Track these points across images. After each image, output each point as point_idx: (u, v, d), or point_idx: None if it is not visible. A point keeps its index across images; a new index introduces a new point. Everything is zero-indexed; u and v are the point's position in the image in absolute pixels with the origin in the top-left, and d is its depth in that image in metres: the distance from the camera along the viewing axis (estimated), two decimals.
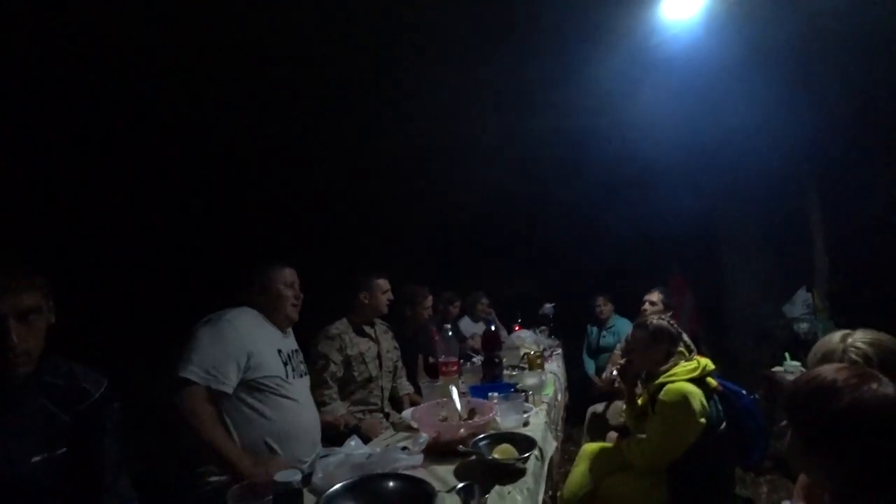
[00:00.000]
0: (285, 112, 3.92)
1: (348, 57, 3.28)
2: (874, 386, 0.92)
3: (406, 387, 2.88)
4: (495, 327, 4.54)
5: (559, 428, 2.92)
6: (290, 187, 5.25)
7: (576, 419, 3.86)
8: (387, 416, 2.58)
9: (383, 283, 2.66)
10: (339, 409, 2.38)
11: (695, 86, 3.55)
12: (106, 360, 1.55)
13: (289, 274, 1.92)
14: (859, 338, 1.28)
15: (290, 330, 2.01)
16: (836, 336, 1.33)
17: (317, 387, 2.34)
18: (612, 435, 2.48)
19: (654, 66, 3.46)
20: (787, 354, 3.10)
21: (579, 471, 2.29)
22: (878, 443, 0.90)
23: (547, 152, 4.81)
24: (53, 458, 1.17)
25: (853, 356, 1.23)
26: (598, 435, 3.02)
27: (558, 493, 2.41)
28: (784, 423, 1.05)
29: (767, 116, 3.61)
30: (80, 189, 3.79)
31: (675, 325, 2.22)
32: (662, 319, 2.22)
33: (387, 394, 2.68)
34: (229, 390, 1.63)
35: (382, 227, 6.12)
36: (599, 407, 3.33)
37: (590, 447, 2.41)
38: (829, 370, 0.99)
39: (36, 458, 1.14)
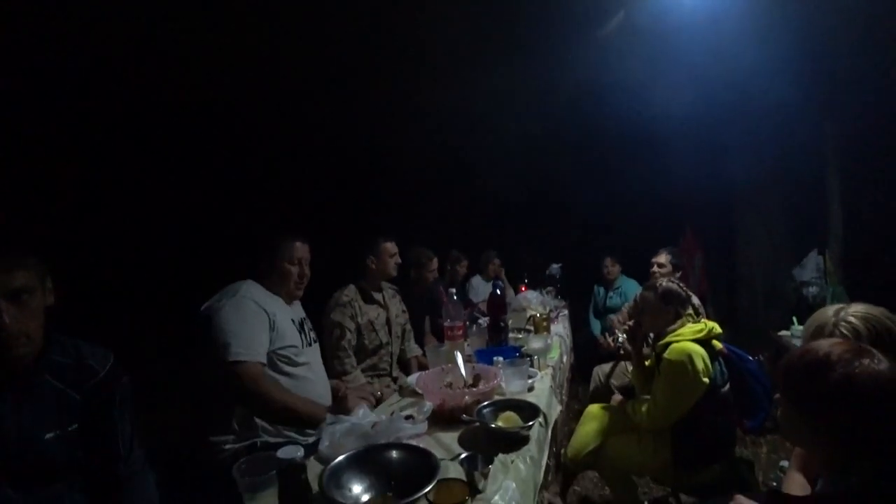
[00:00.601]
0: (299, 78, 3.80)
1: (366, 22, 3.14)
2: (866, 362, 0.93)
3: (414, 349, 2.90)
4: (503, 288, 4.57)
5: (564, 390, 2.96)
6: (302, 154, 5.16)
7: (581, 378, 3.93)
8: (395, 379, 2.62)
9: (390, 247, 2.61)
10: (361, 378, 2.42)
11: (713, 43, 3.37)
12: (115, 336, 1.58)
13: (298, 249, 1.86)
14: (852, 312, 1.26)
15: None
16: (831, 309, 1.32)
17: (335, 356, 2.38)
18: (617, 397, 2.52)
19: (669, 22, 3.27)
20: (794, 319, 3.07)
21: (584, 431, 2.34)
22: (870, 418, 0.91)
23: (560, 113, 4.66)
24: (66, 434, 1.20)
25: (843, 331, 1.22)
26: (602, 397, 3.06)
27: (562, 451, 2.48)
28: (777, 395, 1.07)
29: (789, 75, 3.43)
30: (85, 170, 3.76)
31: (685, 288, 2.20)
32: (672, 282, 2.20)
33: (395, 358, 2.72)
34: (266, 360, 1.67)
35: (394, 189, 6.03)
36: (605, 367, 3.36)
37: (594, 408, 2.46)
38: (823, 344, 1.00)
39: (49, 435, 1.18)
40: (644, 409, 2.10)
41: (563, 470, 2.47)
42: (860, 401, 0.91)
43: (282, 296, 1.87)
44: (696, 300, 2.85)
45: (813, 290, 3.67)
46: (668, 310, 2.12)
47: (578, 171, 5.66)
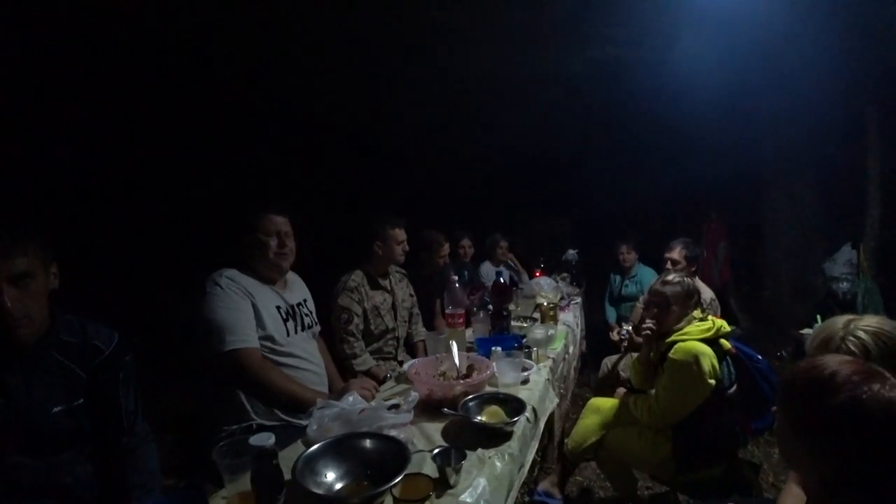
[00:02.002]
0: (300, 43, 3.71)
1: None
2: (876, 387, 0.85)
3: (421, 333, 2.92)
4: (510, 275, 4.53)
5: (571, 379, 2.94)
6: (304, 131, 5.13)
7: (594, 365, 3.88)
8: (400, 363, 2.64)
9: (398, 234, 2.58)
10: (369, 361, 2.46)
11: (746, 14, 3.12)
12: (122, 318, 1.65)
13: (276, 222, 1.81)
14: (863, 325, 1.17)
15: (294, 281, 1.99)
16: (840, 321, 1.23)
17: (343, 340, 2.42)
18: (621, 391, 2.49)
19: None
20: (818, 317, 2.92)
21: (585, 423, 2.33)
22: (873, 448, 0.84)
23: (585, 91, 4.48)
24: (72, 408, 1.29)
25: (851, 346, 1.14)
26: (607, 389, 3.03)
27: (565, 440, 2.48)
28: (775, 407, 1.01)
29: (829, 52, 3.15)
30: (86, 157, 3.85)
31: (693, 285, 2.14)
32: (686, 279, 2.14)
33: (401, 342, 2.74)
34: (258, 345, 1.70)
35: (406, 172, 5.97)
36: (613, 358, 3.32)
37: (597, 401, 2.44)
38: (831, 362, 0.92)
39: (56, 409, 1.26)
40: (646, 406, 2.07)
41: (562, 460, 2.48)
42: (865, 428, 0.84)
43: (269, 276, 1.84)
44: (708, 296, 2.75)
45: (844, 285, 3.47)
46: (690, 307, 2.07)
47: (598, 152, 5.46)
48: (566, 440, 2.46)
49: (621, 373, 3.16)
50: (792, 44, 3.39)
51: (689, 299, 2.06)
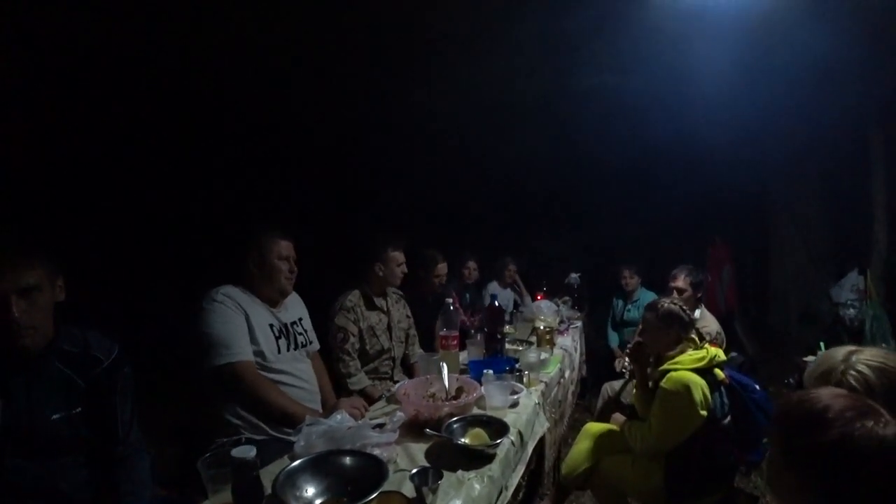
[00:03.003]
0: (304, 64, 3.80)
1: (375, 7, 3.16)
2: (870, 424, 0.82)
3: (417, 354, 2.94)
4: (520, 294, 4.55)
5: (567, 403, 2.92)
6: (308, 151, 5.23)
7: (595, 390, 3.84)
8: (396, 383, 2.67)
9: (398, 256, 2.63)
10: (364, 380, 2.49)
11: (751, 35, 3.18)
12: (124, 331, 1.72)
13: (284, 247, 1.90)
14: (864, 359, 1.11)
15: (291, 299, 2.04)
16: (841, 352, 1.17)
17: (339, 359, 2.46)
18: (618, 417, 2.47)
19: (704, 15, 3.13)
20: (821, 345, 2.87)
21: (579, 449, 2.32)
22: (863, 487, 0.82)
23: (589, 113, 4.54)
24: (71, 415, 1.35)
25: (852, 381, 1.08)
26: (607, 415, 3.00)
27: (561, 465, 2.46)
28: (766, 440, 1.01)
29: (833, 69, 3.17)
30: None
31: (687, 311, 2.14)
32: (675, 304, 2.15)
33: (398, 362, 2.76)
34: (253, 359, 1.76)
35: (418, 186, 6.03)
36: (615, 384, 3.28)
37: (592, 427, 2.43)
38: (826, 395, 0.90)
39: (55, 416, 1.33)
40: (640, 434, 2.06)
41: (556, 486, 2.46)
42: (855, 466, 0.81)
43: (269, 296, 1.91)
44: (714, 329, 2.73)
45: (851, 312, 3.40)
46: (669, 332, 2.07)
47: (597, 174, 5.48)
48: (561, 465, 2.44)
49: (622, 400, 3.12)
50: (797, 67, 3.41)
51: (671, 322, 2.06)
